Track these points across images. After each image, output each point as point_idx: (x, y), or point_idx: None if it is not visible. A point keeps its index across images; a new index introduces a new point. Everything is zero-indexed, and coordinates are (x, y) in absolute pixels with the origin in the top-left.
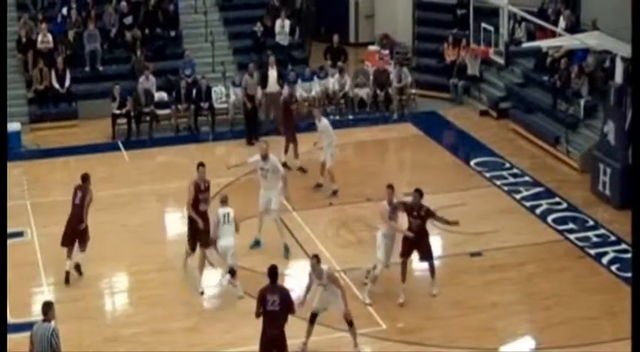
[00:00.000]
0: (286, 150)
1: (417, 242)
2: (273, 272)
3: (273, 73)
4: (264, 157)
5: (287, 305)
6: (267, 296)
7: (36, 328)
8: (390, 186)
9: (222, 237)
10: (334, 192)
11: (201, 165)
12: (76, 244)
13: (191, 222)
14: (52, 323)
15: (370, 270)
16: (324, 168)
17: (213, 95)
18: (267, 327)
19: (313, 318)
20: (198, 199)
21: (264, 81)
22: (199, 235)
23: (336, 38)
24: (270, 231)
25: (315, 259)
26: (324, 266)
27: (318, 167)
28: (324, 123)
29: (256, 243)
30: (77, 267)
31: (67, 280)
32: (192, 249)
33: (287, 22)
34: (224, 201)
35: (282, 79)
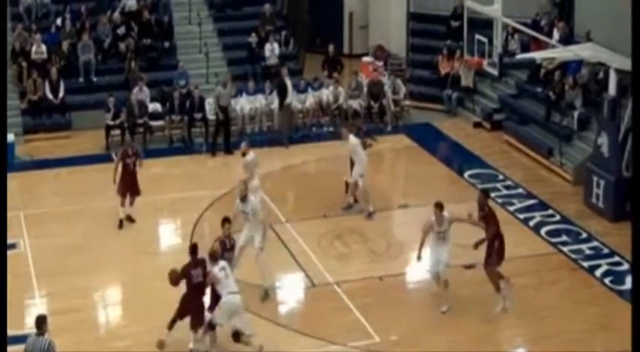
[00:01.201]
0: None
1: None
2: (194, 249)
3: (289, 83)
4: (243, 199)
5: (205, 275)
6: (192, 271)
7: (31, 342)
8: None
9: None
10: (370, 214)
11: (226, 220)
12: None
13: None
14: (46, 336)
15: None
16: (353, 188)
17: (207, 106)
18: (194, 297)
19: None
20: (224, 258)
21: (281, 92)
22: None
23: (331, 49)
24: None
25: (438, 207)
26: (445, 213)
27: (342, 185)
28: (352, 141)
29: (265, 293)
30: (129, 217)
31: (120, 225)
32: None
33: (276, 45)
34: (214, 257)
35: (293, 90)
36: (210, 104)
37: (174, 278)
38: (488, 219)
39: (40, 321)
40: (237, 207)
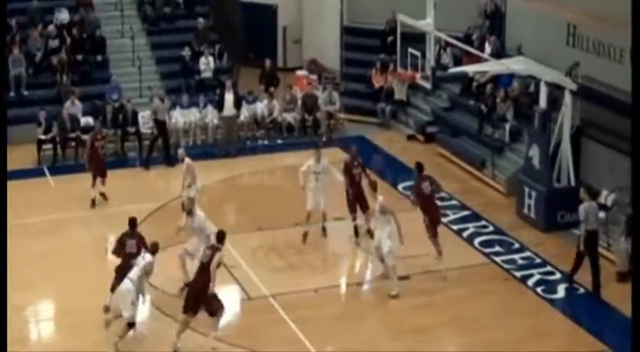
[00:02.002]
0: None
1: None
2: (132, 222)
3: (229, 97)
4: (189, 213)
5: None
6: (127, 240)
7: None
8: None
9: None
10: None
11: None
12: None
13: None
14: None
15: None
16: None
17: (140, 120)
18: (126, 266)
19: None
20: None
21: (220, 104)
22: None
23: (268, 63)
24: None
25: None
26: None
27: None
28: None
29: None
30: (103, 194)
31: (93, 205)
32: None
33: (211, 59)
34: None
35: (239, 102)
36: (143, 117)
37: (115, 248)
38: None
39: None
40: (185, 221)
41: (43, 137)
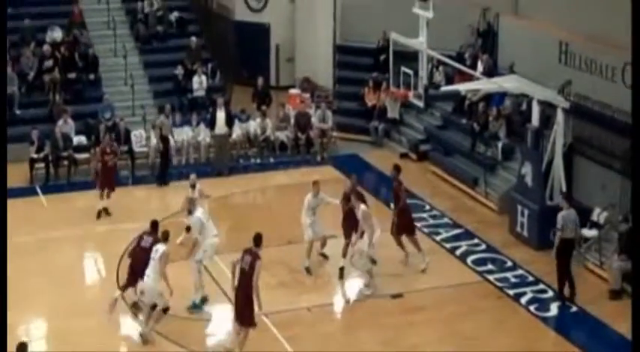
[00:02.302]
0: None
1: None
2: (154, 225)
3: (221, 115)
4: (190, 212)
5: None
6: (144, 236)
7: None
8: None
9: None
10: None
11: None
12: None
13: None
14: None
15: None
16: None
17: (133, 138)
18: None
19: None
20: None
21: (212, 122)
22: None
23: (260, 81)
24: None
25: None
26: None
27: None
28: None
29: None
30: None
31: (98, 216)
32: None
33: (204, 78)
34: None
35: (231, 120)
36: (136, 136)
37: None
38: (398, 191)
39: (21, 349)
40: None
41: (35, 156)
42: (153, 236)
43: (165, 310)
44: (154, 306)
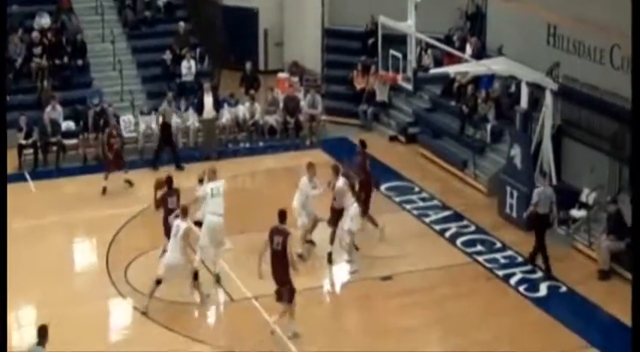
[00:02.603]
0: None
1: None
2: (169, 181)
3: (208, 100)
4: (201, 181)
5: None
6: (168, 198)
7: (30, 350)
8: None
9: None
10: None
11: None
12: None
13: None
14: (44, 349)
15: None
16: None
17: (122, 124)
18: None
19: None
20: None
21: (200, 107)
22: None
23: (248, 66)
24: None
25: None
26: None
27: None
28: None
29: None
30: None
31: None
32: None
33: (192, 63)
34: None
35: (219, 105)
36: (124, 121)
37: (156, 204)
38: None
39: (42, 332)
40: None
41: (23, 142)
42: (175, 195)
43: (196, 275)
44: (158, 281)
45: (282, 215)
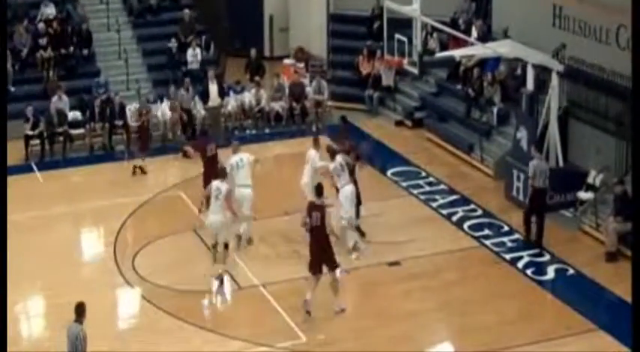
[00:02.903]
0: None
1: None
2: (204, 132)
3: (213, 87)
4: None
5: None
6: (207, 146)
7: (69, 328)
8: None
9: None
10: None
11: None
12: None
13: None
14: (82, 325)
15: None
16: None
17: (128, 113)
18: (209, 167)
19: None
20: None
21: (205, 95)
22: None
23: (253, 52)
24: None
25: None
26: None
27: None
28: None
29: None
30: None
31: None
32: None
33: (198, 50)
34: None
35: (224, 92)
36: (130, 110)
37: (192, 151)
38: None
39: (80, 309)
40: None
41: (30, 133)
42: (212, 142)
43: (227, 246)
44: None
45: (319, 190)
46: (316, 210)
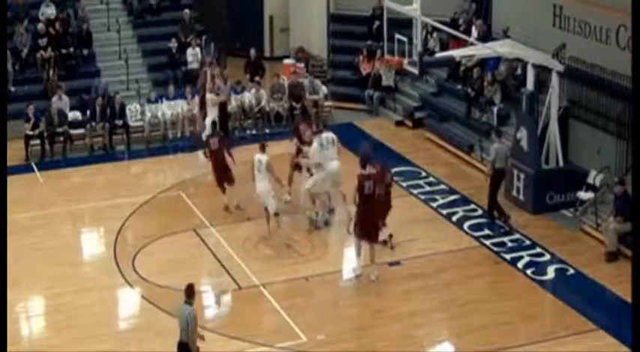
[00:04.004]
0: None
1: None
2: (215, 125)
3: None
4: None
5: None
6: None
7: (180, 308)
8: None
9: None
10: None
11: None
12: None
13: None
14: (192, 306)
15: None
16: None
17: (128, 113)
18: (217, 160)
19: None
20: None
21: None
22: None
23: (253, 52)
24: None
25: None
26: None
27: None
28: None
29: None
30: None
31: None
32: None
33: (198, 50)
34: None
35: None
36: (131, 110)
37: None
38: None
39: (190, 290)
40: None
41: (30, 133)
42: (217, 137)
43: (277, 214)
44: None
45: (364, 160)
46: (367, 179)
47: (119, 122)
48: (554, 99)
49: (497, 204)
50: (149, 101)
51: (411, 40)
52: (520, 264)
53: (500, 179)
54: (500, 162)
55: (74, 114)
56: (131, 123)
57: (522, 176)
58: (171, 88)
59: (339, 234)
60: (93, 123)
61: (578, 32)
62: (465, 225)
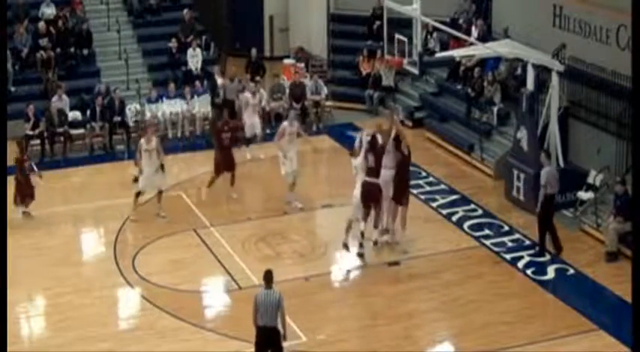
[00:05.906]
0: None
1: None
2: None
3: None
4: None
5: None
6: (222, 135)
7: (262, 295)
8: None
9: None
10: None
11: None
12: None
13: None
14: (277, 290)
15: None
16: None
17: (128, 112)
18: (225, 155)
19: None
20: None
21: (213, 91)
22: None
23: (254, 52)
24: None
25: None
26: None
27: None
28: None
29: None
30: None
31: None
32: None
33: (198, 50)
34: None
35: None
36: (130, 110)
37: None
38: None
39: (269, 276)
40: None
41: (30, 133)
42: (230, 132)
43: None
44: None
45: (374, 140)
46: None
47: (117, 118)
48: (554, 99)
49: (554, 231)
50: (149, 101)
51: (410, 40)
52: (520, 264)
53: (553, 206)
54: (552, 187)
55: (74, 114)
56: (130, 123)
57: (522, 176)
58: (171, 86)
59: (339, 234)
60: (93, 123)
61: (578, 32)
62: (465, 225)
